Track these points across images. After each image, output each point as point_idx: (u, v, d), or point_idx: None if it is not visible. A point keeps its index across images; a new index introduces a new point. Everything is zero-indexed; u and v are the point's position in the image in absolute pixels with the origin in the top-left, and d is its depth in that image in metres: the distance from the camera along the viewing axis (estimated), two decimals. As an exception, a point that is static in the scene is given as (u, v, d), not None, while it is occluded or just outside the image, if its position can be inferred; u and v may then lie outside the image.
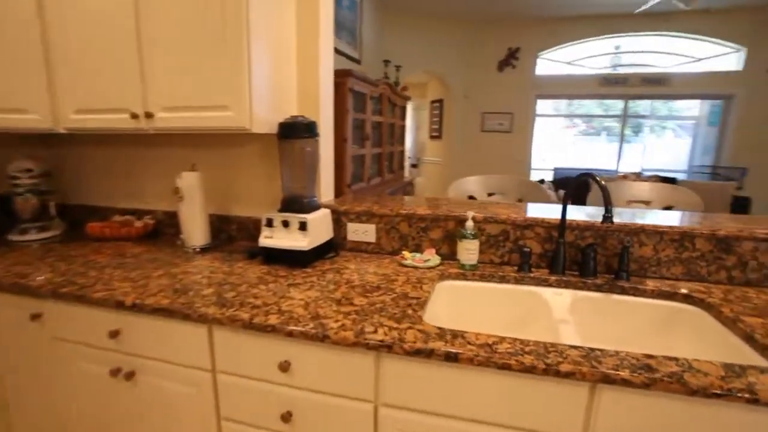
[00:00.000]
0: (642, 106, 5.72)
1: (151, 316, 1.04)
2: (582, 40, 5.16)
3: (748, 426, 0.72)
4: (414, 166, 7.61)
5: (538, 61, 5.32)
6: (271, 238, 1.32)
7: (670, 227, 1.21)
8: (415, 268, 1.32)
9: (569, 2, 4.49)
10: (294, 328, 0.90)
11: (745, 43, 4.46)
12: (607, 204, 1.06)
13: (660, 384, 0.73)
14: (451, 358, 0.81)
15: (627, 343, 1.15)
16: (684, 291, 1.13)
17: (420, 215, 1.41)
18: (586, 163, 6.39)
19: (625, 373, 0.74)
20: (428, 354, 0.82)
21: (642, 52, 5.09)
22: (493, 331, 1.24)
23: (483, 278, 1.28)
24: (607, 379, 0.75)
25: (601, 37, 5.05)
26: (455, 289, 1.27)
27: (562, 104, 6.21)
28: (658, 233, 1.23)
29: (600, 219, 1.28)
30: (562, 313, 1.12)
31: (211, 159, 1.62)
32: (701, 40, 4.67)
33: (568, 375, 0.76)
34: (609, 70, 5.19)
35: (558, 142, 6.51)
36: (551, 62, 5.42)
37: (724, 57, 4.70)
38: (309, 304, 1.02)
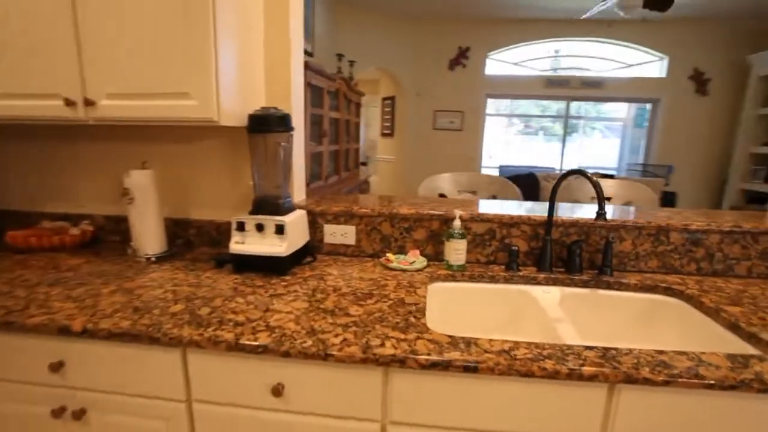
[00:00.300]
0: (573, 107, 6.13)
1: (107, 343, 0.88)
2: (528, 43, 5.41)
3: (761, 414, 0.74)
4: (363, 164, 7.55)
5: (488, 61, 5.49)
6: (243, 244, 1.19)
7: (648, 222, 1.26)
8: (403, 270, 1.26)
9: (517, 5, 4.68)
10: (290, 347, 0.80)
11: (668, 51, 4.94)
12: (600, 201, 1.07)
13: (680, 380, 0.73)
14: (471, 369, 0.76)
15: (622, 337, 1.18)
16: (664, 284, 1.18)
17: (403, 215, 1.35)
18: (528, 161, 6.73)
19: (645, 372, 0.74)
20: (446, 366, 0.77)
21: (581, 56, 5.45)
22: (489, 333, 1.21)
23: (473, 279, 1.26)
24: (630, 379, 0.74)
25: (545, 40, 5.33)
26: (446, 291, 1.23)
27: (503, 104, 6.48)
28: (636, 228, 1.27)
29: (581, 216, 1.30)
30: (556, 311, 1.12)
31: (165, 155, 1.43)
32: (631, 47, 5.10)
33: (591, 378, 0.74)
34: (551, 73, 5.50)
35: (501, 140, 6.80)
36: (499, 63, 5.62)
37: (650, 64, 5.18)
38: (299, 318, 0.92)
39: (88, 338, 0.87)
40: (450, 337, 0.85)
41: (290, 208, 1.27)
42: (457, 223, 1.27)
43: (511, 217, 1.31)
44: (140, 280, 1.12)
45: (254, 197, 1.25)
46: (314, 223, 1.40)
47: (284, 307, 0.97)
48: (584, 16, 3.90)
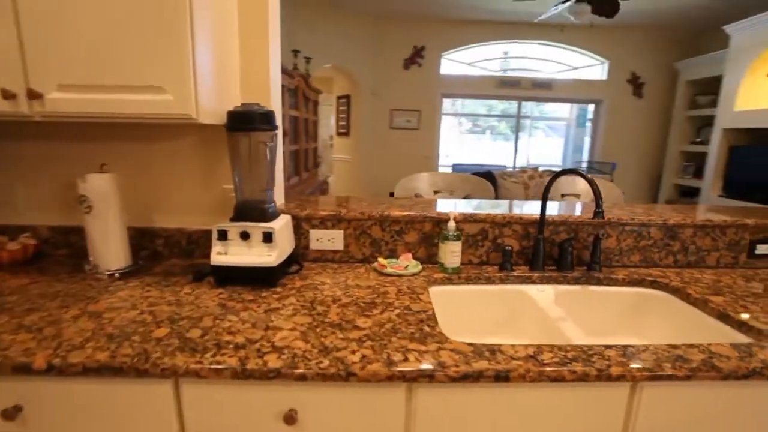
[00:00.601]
0: (516, 107, 6.46)
1: (80, 380, 0.75)
2: (482, 43, 5.57)
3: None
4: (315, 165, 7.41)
5: (442, 60, 5.59)
6: (226, 255, 1.08)
7: (631, 219, 1.32)
8: (399, 276, 1.22)
9: (472, 7, 4.80)
10: (306, 369, 0.73)
11: (608, 56, 5.32)
12: (598, 199, 1.09)
13: (699, 373, 0.76)
14: (502, 378, 0.74)
15: (620, 332, 1.23)
16: (650, 278, 1.24)
17: (395, 217, 1.31)
18: (478, 159, 6.95)
19: (668, 368, 0.76)
20: (476, 377, 0.74)
21: (529, 58, 5.71)
22: (493, 336, 1.21)
23: (469, 281, 1.24)
24: (655, 377, 0.75)
25: (499, 41, 5.52)
26: (445, 295, 1.21)
27: (448, 103, 6.65)
28: (621, 224, 1.33)
29: (560, 213, 1.34)
30: (555, 310, 1.13)
31: (125, 156, 1.28)
32: (577, 51, 5.43)
33: (619, 378, 0.75)
34: (502, 73, 5.71)
35: (451, 139, 6.99)
36: (454, 63, 5.74)
37: (593, 67, 5.55)
38: (306, 334, 0.84)
39: (55, 376, 0.74)
40: (471, 344, 0.82)
41: (276, 214, 1.18)
42: (451, 224, 1.25)
43: (504, 217, 1.31)
44: (107, 301, 0.98)
45: (236, 202, 1.15)
46: (298, 228, 1.31)
47: (285, 323, 0.89)
48: (538, 19, 4.08)
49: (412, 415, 0.78)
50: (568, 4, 3.40)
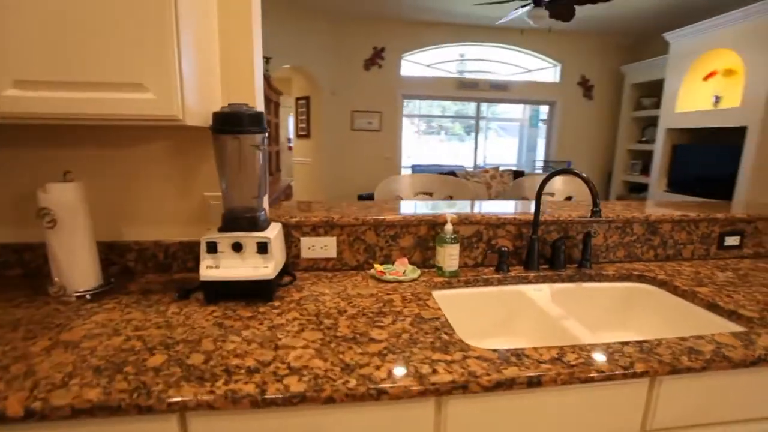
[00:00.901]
0: (471, 108, 6.66)
1: (68, 425, 0.65)
2: (443, 45, 5.67)
3: None
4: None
5: (402, 62, 5.62)
6: (218, 269, 1.00)
7: (617, 216, 1.38)
8: (398, 282, 1.19)
9: (430, 8, 4.87)
10: (333, 391, 0.68)
11: (560, 59, 5.61)
12: (595, 198, 1.12)
13: (713, 364, 0.79)
14: (534, 383, 0.73)
15: (617, 326, 1.27)
16: (637, 272, 1.30)
17: (389, 221, 1.28)
18: (435, 160, 7.07)
19: (685, 361, 0.78)
20: (509, 385, 0.72)
21: (487, 60, 5.89)
22: (499, 338, 1.21)
23: (468, 284, 1.24)
24: (674, 370, 0.78)
25: (460, 43, 5.65)
26: (448, 299, 1.19)
27: (405, 105, 6.75)
28: (607, 222, 1.38)
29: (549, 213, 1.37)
30: (555, 309, 1.15)
31: (91, 163, 1.15)
32: (532, 54, 5.67)
33: (643, 374, 0.76)
34: (459, 75, 5.85)
35: (407, 140, 7.08)
36: (413, 64, 5.80)
37: (546, 70, 5.83)
38: (321, 351, 0.79)
39: (37, 422, 0.63)
40: (494, 351, 0.81)
41: (267, 222, 1.11)
42: (449, 227, 1.24)
43: (498, 218, 1.32)
44: (82, 328, 0.87)
45: (223, 211, 1.06)
46: (288, 236, 1.25)
47: (295, 340, 0.83)
48: (499, 23, 4.20)
49: (442, 427, 0.75)
50: (527, 8, 3.53)
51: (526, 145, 7.51)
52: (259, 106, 1.20)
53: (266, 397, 0.66)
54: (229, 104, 1.02)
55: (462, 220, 1.30)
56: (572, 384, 0.75)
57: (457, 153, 7.40)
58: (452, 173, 5.21)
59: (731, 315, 1.03)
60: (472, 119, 6.96)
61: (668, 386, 0.81)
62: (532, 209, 1.40)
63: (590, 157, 5.82)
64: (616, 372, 0.76)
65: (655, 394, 0.81)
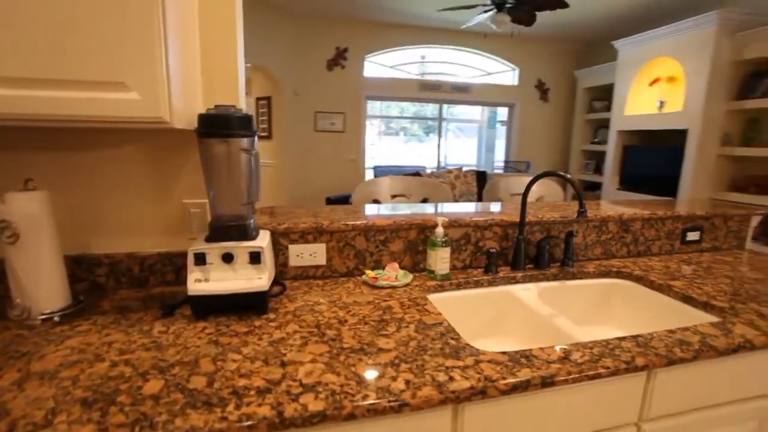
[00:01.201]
0: (431, 109, 6.80)
1: (58, 464, 0.58)
2: (405, 47, 5.72)
3: (752, 367, 0.92)
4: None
5: (366, 63, 5.61)
6: (208, 282, 0.94)
7: (595, 215, 1.45)
8: (392, 287, 1.18)
9: (395, 10, 4.90)
10: (354, 407, 0.65)
11: (518, 63, 5.83)
12: (581, 199, 1.17)
13: (702, 354, 0.84)
14: (548, 383, 0.74)
15: (603, 322, 1.32)
16: (615, 269, 1.37)
17: (379, 226, 1.26)
18: (396, 161, 7.12)
19: (678, 352, 0.83)
20: (525, 386, 0.73)
21: (448, 62, 6.01)
22: (495, 339, 1.23)
23: (460, 287, 1.25)
24: (670, 362, 0.82)
25: (424, 45, 5.72)
26: (443, 302, 1.20)
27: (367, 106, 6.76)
28: (585, 221, 1.44)
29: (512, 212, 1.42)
30: (545, 307, 1.19)
31: (56, 169, 1.04)
32: (492, 58, 5.86)
33: (643, 367, 0.80)
34: (420, 77, 5.93)
35: (367, 141, 7.11)
36: (377, 65, 5.81)
37: (505, 73, 6.04)
38: (331, 365, 0.77)
39: (23, 467, 0.56)
40: (504, 353, 0.82)
41: (257, 230, 1.06)
42: (440, 230, 1.24)
43: (486, 221, 1.35)
44: (56, 355, 0.78)
45: (210, 220, 1.00)
46: (276, 244, 1.20)
47: (301, 355, 0.80)
48: (464, 27, 4.30)
49: (459, 430, 0.75)
50: (490, 14, 3.64)
51: (485, 145, 7.75)
52: (243, 108, 1.15)
53: (285, 418, 0.63)
54: (215, 106, 0.96)
55: (451, 223, 1.31)
56: (581, 382, 0.77)
57: (417, 153, 7.50)
58: (417, 174, 5.26)
59: (705, 306, 1.11)
60: (432, 120, 7.09)
61: (663, 377, 0.86)
62: (507, 209, 1.44)
63: (548, 157, 6.11)
64: (620, 367, 0.79)
65: (651, 386, 0.86)
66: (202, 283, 0.94)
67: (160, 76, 0.81)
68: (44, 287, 0.92)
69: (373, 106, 6.39)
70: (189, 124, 0.96)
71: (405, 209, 1.46)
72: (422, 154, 7.44)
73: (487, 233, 1.36)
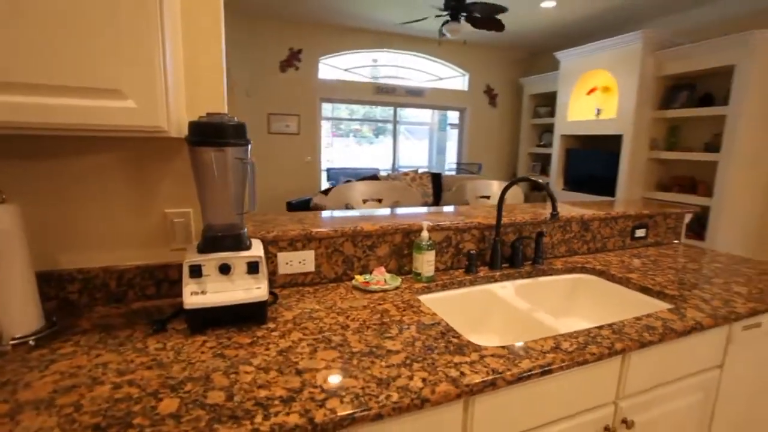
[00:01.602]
0: (378, 111, 6.94)
1: (82, 493, 0.55)
2: (361, 51, 5.76)
3: (700, 345, 1.07)
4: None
5: (320, 65, 5.58)
6: (205, 294, 0.92)
7: (561, 216, 1.58)
8: (384, 291, 1.21)
9: (350, 14, 4.92)
10: (380, 407, 0.68)
11: (468, 69, 6.10)
12: (554, 202, 1.28)
13: (665, 336, 0.97)
14: (546, 371, 0.82)
15: (576, 313, 1.44)
16: (579, 265, 1.51)
17: (366, 232, 1.30)
18: (348, 163, 7.14)
19: (648, 336, 0.95)
20: (528, 376, 0.80)
21: (401, 66, 6.14)
22: (484, 335, 1.30)
23: (445, 287, 1.31)
24: (642, 345, 0.94)
25: (377, 50, 5.79)
26: (433, 303, 1.25)
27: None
28: (549, 221, 1.57)
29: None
30: (523, 303, 1.28)
31: (24, 179, 0.96)
32: (443, 63, 6.07)
33: (621, 351, 0.91)
34: (373, 80, 6.02)
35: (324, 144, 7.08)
36: (331, 68, 5.80)
37: (455, 78, 6.28)
38: (347, 369, 0.79)
39: (46, 500, 0.53)
40: (503, 347, 0.88)
41: (249, 239, 1.05)
42: (425, 234, 1.30)
43: (465, 224, 1.42)
44: (44, 381, 0.73)
45: (204, 229, 0.98)
46: (265, 252, 1.19)
47: (313, 362, 0.81)
48: (417, 33, 4.41)
49: (470, 419, 0.80)
50: (447, 24, 3.79)
51: (436, 147, 8.00)
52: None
53: (316, 424, 0.64)
54: (207, 114, 0.95)
55: (434, 227, 1.37)
56: (573, 368, 0.86)
57: (368, 155, 7.58)
58: (375, 177, 5.32)
59: (659, 295, 1.26)
60: (384, 123, 7.20)
61: (635, 359, 0.97)
62: (481, 212, 1.53)
63: (498, 160, 6.43)
64: (604, 352, 0.89)
65: (626, 367, 0.97)
66: (199, 295, 0.91)
67: (159, 83, 0.79)
68: (16, 309, 0.85)
69: (324, 108, 6.37)
70: (178, 132, 0.93)
71: (384, 213, 1.50)
72: (374, 156, 7.53)
73: (466, 236, 1.44)
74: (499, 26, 3.75)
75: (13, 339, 0.85)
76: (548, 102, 5.52)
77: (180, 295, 1.12)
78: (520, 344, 0.90)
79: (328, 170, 6.73)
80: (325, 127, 6.91)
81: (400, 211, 1.61)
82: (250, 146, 1.01)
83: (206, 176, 0.95)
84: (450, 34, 3.81)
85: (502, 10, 3.68)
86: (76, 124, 0.75)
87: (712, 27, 3.97)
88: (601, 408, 0.97)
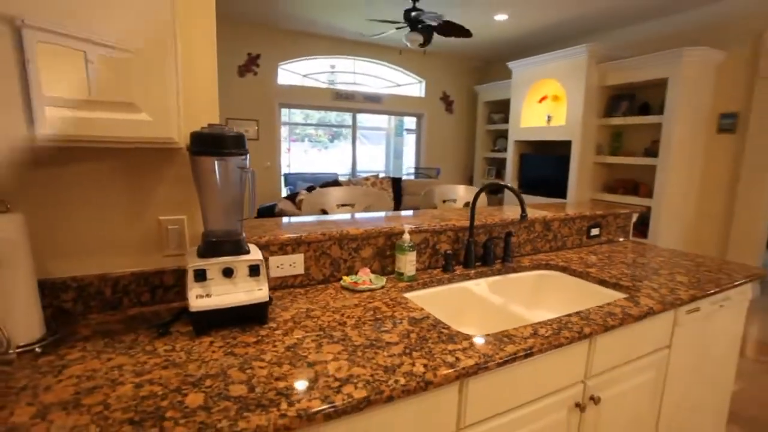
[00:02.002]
0: (332, 116, 7.04)
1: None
2: (319, 57, 5.81)
3: (652, 328, 1.25)
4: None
5: (279, 71, 5.58)
6: (209, 297, 0.97)
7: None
8: (371, 290, 1.31)
9: (309, 20, 4.97)
10: (392, 389, 0.78)
11: (425, 76, 6.33)
12: (522, 204, 1.43)
13: (625, 321, 1.14)
14: (529, 354, 0.95)
15: (543, 305, 1.60)
16: (544, 262, 1.68)
17: (352, 235, 1.39)
18: (305, 168, 7.15)
19: (611, 321, 1.11)
20: (513, 359, 0.93)
21: (359, 73, 6.26)
22: (466, 327, 1.41)
23: (426, 285, 1.43)
24: (606, 328, 1.10)
25: (338, 56, 5.87)
26: (418, 300, 1.36)
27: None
28: (516, 223, 1.74)
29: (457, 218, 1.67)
30: (497, 298, 1.43)
31: (18, 186, 0.96)
32: (398, 70, 6.25)
33: (590, 335, 1.06)
34: (332, 86, 6.10)
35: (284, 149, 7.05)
36: (290, 73, 5.80)
37: (412, 85, 6.49)
38: (353, 360, 0.88)
39: (99, 487, 0.58)
40: (488, 335, 1.01)
41: (247, 244, 1.10)
42: (406, 236, 1.41)
43: (441, 226, 1.55)
44: (63, 384, 0.76)
45: (205, 235, 1.03)
46: (255, 257, 1.24)
47: (321, 355, 0.89)
48: (376, 40, 4.55)
49: (463, 403, 0.91)
50: (405, 32, 3.96)
51: (393, 152, 8.19)
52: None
53: (337, 407, 0.73)
54: (208, 125, 1.00)
55: (413, 230, 1.49)
56: (549, 350, 1.00)
57: (325, 161, 7.62)
58: (336, 182, 5.38)
59: (615, 286, 1.45)
60: (340, 128, 7.29)
61: (600, 342, 1.13)
62: (453, 215, 1.67)
63: (454, 164, 6.71)
64: (575, 336, 1.04)
65: (593, 349, 1.13)
66: (204, 298, 0.96)
67: (173, 96, 0.84)
68: (20, 317, 0.87)
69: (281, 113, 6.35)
70: (183, 143, 0.98)
71: (361, 217, 1.59)
72: (330, 162, 7.58)
73: (442, 237, 1.57)
74: (466, 33, 3.95)
75: (18, 347, 0.86)
76: (502, 109, 5.86)
77: (175, 300, 1.16)
78: (503, 332, 1.03)
79: (286, 176, 6.69)
80: (284, 132, 6.88)
81: (376, 215, 1.71)
82: (248, 156, 1.07)
83: (207, 184, 1.01)
84: (410, 44, 3.97)
85: (464, 32, 3.90)
86: (110, 137, 0.78)
87: (649, 42, 4.43)
88: (572, 387, 1.12)
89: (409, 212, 1.79)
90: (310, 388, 0.77)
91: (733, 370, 1.71)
